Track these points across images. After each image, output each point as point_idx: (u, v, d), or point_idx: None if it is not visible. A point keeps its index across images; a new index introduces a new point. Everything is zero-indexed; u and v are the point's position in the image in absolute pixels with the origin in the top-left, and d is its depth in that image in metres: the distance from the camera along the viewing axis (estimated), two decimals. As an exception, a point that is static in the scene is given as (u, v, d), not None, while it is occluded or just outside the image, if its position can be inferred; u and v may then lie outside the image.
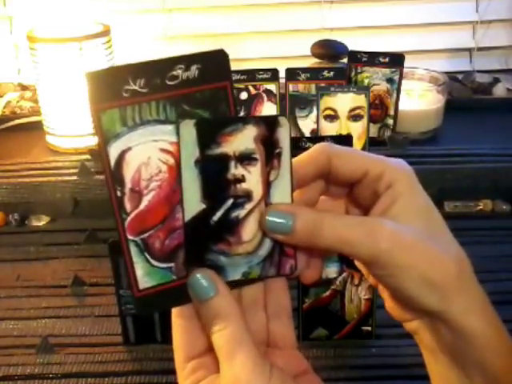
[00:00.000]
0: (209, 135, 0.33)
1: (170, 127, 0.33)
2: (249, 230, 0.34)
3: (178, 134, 0.33)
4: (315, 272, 0.38)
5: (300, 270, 0.36)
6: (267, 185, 0.34)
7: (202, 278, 0.33)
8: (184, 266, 0.34)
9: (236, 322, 0.33)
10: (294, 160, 0.36)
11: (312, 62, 1.11)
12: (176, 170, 0.33)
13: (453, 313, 0.34)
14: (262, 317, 0.36)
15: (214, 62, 0.33)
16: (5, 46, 1.22)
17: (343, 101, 0.87)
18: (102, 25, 1.00)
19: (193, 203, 0.33)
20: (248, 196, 0.34)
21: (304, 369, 0.36)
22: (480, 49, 1.25)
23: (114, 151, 0.32)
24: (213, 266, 0.34)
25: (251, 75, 0.93)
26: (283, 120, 0.34)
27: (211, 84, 0.33)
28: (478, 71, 1.23)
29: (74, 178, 0.89)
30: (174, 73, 0.33)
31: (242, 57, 1.23)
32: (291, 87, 0.93)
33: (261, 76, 0.94)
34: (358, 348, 0.64)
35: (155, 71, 0.32)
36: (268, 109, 0.95)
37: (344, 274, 0.63)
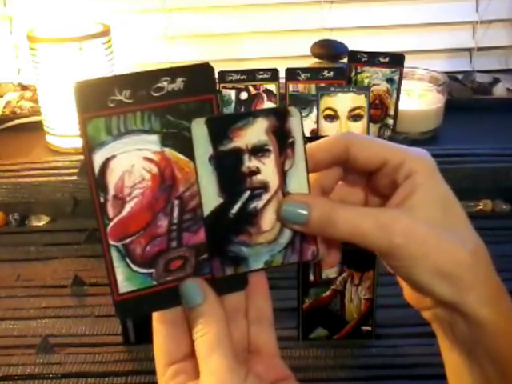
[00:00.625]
0: (220, 131, 0.34)
1: (155, 137, 0.34)
2: (268, 220, 0.35)
3: (189, 132, 0.34)
4: (335, 258, 0.38)
5: (321, 256, 0.37)
6: (283, 174, 0.35)
7: (192, 287, 0.34)
8: (165, 273, 0.35)
9: (217, 328, 0.34)
10: (311, 144, 0.37)
11: (312, 62, 1.11)
12: (159, 179, 0.34)
13: (467, 304, 0.34)
14: (243, 324, 0.37)
15: (200, 75, 0.34)
16: (5, 46, 1.22)
17: (343, 101, 0.87)
18: (102, 25, 1.00)
19: (210, 198, 0.34)
20: (265, 187, 0.35)
21: (284, 376, 0.37)
22: (480, 49, 1.25)
23: (98, 158, 0.33)
24: (235, 257, 0.35)
25: (251, 75, 0.93)
26: (293, 110, 0.35)
27: (196, 96, 0.34)
28: (478, 71, 1.23)
29: (74, 178, 0.89)
30: (160, 85, 0.34)
31: (241, 57, 1.23)
32: (291, 87, 0.93)
33: (261, 76, 0.94)
34: (358, 348, 0.64)
35: (141, 83, 0.33)
36: (268, 109, 0.95)
37: (344, 274, 0.63)
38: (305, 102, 0.94)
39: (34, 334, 0.68)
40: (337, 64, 1.08)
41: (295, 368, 0.38)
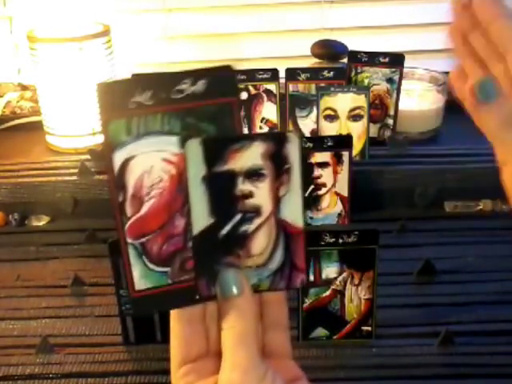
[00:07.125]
0: (215, 153, 0.34)
1: (174, 138, 0.34)
2: (258, 244, 0.35)
3: (184, 151, 0.34)
4: None
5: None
6: (277, 200, 0.35)
7: (231, 277, 0.35)
8: (180, 272, 0.35)
9: (248, 322, 0.34)
10: None
11: (312, 62, 1.11)
12: (177, 180, 0.34)
13: None
14: (258, 328, 0.37)
15: (221, 78, 0.34)
16: (5, 46, 1.22)
17: (343, 101, 0.87)
18: (102, 25, 1.00)
19: (201, 218, 0.34)
20: (257, 211, 0.35)
21: (296, 376, 0.37)
22: (480, 49, 1.25)
23: (118, 158, 0.34)
24: None
25: (251, 75, 0.93)
26: (292, 136, 0.34)
27: (217, 99, 0.34)
28: (478, 71, 1.23)
29: (74, 178, 0.89)
30: (180, 87, 0.34)
31: (241, 57, 1.23)
32: (291, 87, 0.93)
33: (261, 76, 0.94)
34: (357, 348, 0.64)
35: (161, 85, 0.33)
36: (268, 109, 0.95)
37: (344, 274, 0.63)
38: (305, 102, 0.94)
39: (34, 334, 0.68)
40: (337, 64, 1.08)
41: (295, 368, 0.38)
